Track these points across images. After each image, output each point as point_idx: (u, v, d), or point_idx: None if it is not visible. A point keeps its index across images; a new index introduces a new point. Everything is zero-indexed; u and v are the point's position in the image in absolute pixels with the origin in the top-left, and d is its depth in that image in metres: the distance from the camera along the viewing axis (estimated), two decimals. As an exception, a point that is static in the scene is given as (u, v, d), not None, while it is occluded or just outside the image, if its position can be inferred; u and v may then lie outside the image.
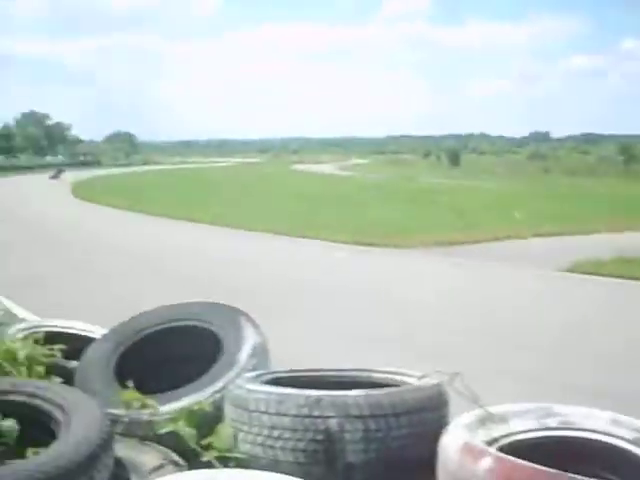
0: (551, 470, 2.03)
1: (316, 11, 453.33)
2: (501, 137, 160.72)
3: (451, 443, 2.26)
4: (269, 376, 2.83)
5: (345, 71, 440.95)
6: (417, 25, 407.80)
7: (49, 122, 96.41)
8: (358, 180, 47.66)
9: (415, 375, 2.81)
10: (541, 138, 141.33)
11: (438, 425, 2.48)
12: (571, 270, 12.62)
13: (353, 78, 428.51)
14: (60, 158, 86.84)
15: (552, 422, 2.51)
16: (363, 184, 41.34)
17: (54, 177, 52.65)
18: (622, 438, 2.41)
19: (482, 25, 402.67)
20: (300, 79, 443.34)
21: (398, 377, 2.87)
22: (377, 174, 55.77)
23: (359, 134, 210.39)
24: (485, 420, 2.44)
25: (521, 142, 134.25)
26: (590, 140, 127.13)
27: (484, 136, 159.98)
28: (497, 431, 2.42)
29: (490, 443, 2.34)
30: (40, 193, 36.74)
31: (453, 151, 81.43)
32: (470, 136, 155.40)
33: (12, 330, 3.63)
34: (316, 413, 2.38)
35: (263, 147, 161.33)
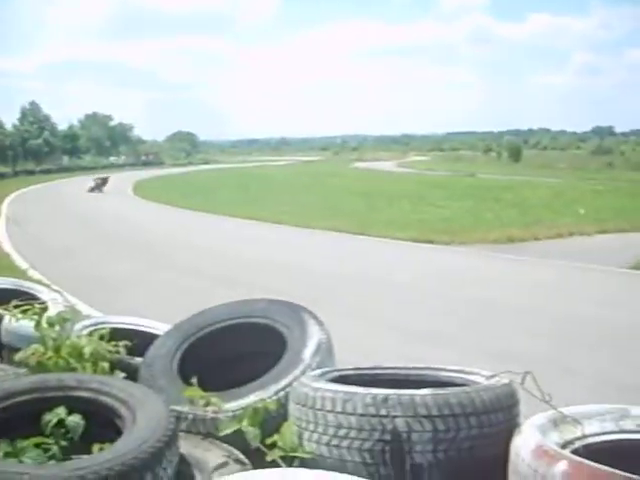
0: (631, 475, 1.94)
1: (373, 9, 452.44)
2: (563, 132, 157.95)
3: (523, 445, 2.19)
4: (334, 374, 2.78)
5: (403, 68, 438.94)
6: (477, 20, 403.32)
7: (112, 123, 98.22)
8: (418, 177, 47.35)
9: (484, 374, 2.74)
10: (605, 132, 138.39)
11: (509, 426, 2.41)
12: (637, 267, 12.30)
13: (411, 75, 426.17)
14: (123, 158, 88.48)
15: (629, 425, 2.40)
16: (423, 181, 41.06)
17: (95, 189, 35.99)
18: None
19: (543, 19, 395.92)
20: (358, 77, 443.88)
21: (466, 376, 2.80)
22: (437, 171, 55.36)
23: (418, 131, 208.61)
24: (558, 422, 2.35)
25: (584, 137, 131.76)
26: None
27: (545, 131, 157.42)
28: (571, 433, 2.33)
29: (564, 446, 2.26)
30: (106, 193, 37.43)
31: (514, 147, 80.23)
32: (531, 131, 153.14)
33: (78, 326, 3.67)
34: (383, 412, 2.32)
35: (323, 145, 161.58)
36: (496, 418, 2.40)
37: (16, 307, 3.58)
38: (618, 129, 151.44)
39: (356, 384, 2.53)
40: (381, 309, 9.05)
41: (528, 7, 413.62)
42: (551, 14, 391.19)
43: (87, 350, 3.08)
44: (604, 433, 2.38)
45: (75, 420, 2.44)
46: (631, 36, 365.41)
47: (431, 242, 15.47)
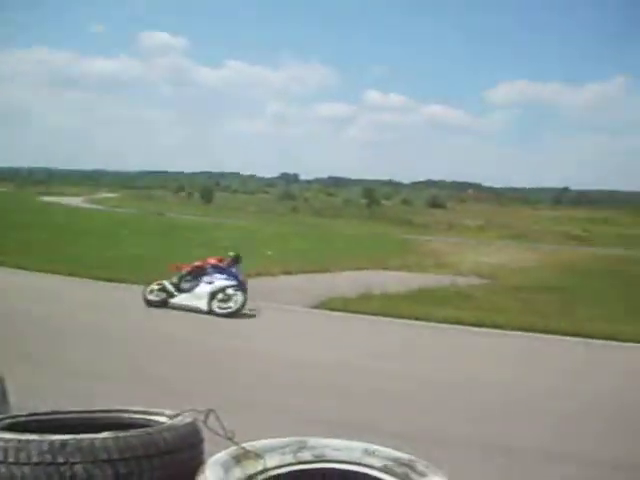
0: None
1: (72, 39, 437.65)
2: (252, 177, 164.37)
3: (206, 484, 2.19)
4: (7, 421, 2.58)
5: (97, 101, 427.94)
6: (175, 61, 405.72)
7: None
8: (106, 214, 46.27)
9: (167, 414, 2.70)
10: (291, 179, 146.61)
11: (193, 465, 2.40)
12: (319, 307, 13.05)
13: (108, 110, 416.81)
14: None
15: (307, 456, 2.52)
16: (111, 218, 40.15)
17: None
18: (373, 467, 2.47)
19: (239, 67, 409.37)
20: (46, 107, 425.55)
21: (150, 417, 2.75)
22: (127, 208, 54.57)
23: (110, 167, 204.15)
24: (241, 458, 2.39)
25: (271, 182, 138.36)
26: (336, 183, 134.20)
27: (236, 175, 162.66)
28: (253, 468, 2.38)
29: (246, 481, 2.30)
30: None
31: (206, 188, 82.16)
32: (222, 174, 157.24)
33: None
34: (61, 459, 2.19)
35: (6, 175, 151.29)
36: (180, 458, 2.38)
37: None
38: (303, 177, 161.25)
39: (32, 431, 2.36)
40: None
41: (226, 54, 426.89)
42: (247, 63, 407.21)
43: None
44: (284, 465, 2.47)
45: None
46: (319, 91, 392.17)
47: (122, 281, 14.99)
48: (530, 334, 10.94)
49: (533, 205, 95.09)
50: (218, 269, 12.32)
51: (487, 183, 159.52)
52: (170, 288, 12.25)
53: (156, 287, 12.33)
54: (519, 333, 10.10)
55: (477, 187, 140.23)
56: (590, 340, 11.02)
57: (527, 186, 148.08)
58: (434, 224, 50.75)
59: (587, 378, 8.61)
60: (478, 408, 6.92)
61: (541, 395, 7.63)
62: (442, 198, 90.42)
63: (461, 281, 17.75)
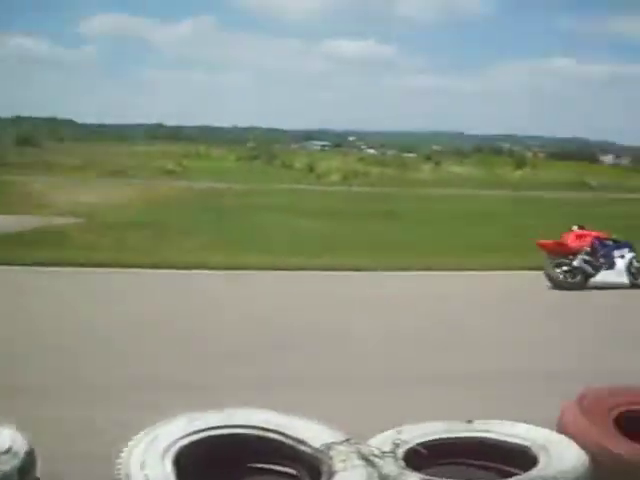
0: None
1: None
2: None
3: None
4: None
5: None
6: None
7: None
8: None
9: None
10: None
11: None
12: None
13: None
14: None
15: None
16: None
17: None
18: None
19: None
20: None
21: None
22: None
23: None
24: None
25: None
26: None
27: None
28: None
29: None
30: None
31: None
32: None
33: None
34: None
35: None
36: None
37: None
38: None
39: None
40: None
41: None
42: None
43: None
44: None
45: None
46: None
47: None
48: (123, 269, 11.66)
49: (129, 141, 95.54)
50: (612, 242, 12.63)
51: (82, 119, 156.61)
52: (588, 268, 12.08)
53: (565, 268, 11.98)
54: (111, 270, 10.74)
55: (71, 124, 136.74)
56: (181, 270, 12.04)
57: (122, 122, 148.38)
58: (29, 164, 48.69)
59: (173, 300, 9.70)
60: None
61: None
62: (36, 136, 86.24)
63: (57, 221, 17.91)
